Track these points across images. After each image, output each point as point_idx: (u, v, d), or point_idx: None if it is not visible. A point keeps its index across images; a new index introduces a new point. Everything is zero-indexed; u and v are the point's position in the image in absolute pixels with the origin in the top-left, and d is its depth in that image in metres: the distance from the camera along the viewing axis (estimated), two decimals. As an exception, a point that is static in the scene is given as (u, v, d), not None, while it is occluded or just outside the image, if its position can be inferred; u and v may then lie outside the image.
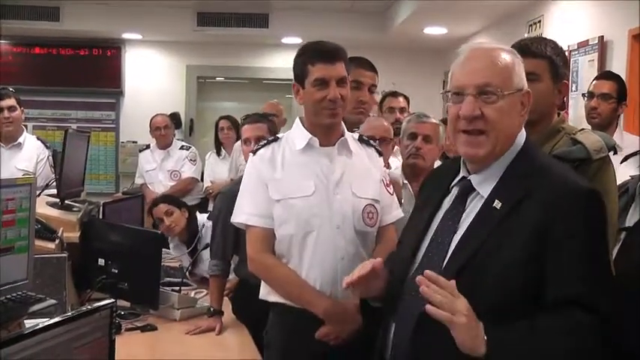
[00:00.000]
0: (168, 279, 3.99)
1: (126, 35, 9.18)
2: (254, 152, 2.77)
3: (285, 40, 8.81)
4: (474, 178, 1.92)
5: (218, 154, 6.83)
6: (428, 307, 1.71)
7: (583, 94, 4.31)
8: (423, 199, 2.16)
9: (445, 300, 1.69)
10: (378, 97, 4.85)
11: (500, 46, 1.95)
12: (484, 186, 1.90)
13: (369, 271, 1.98)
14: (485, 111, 1.84)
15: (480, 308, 1.71)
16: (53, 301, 2.47)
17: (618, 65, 4.81)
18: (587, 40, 5.29)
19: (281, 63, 8.98)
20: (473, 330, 1.68)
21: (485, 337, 1.67)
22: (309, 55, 2.64)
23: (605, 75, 4.37)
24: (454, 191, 1.99)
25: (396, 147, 3.65)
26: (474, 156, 1.90)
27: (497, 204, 1.83)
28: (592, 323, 1.68)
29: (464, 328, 1.68)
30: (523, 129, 1.94)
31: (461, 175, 1.99)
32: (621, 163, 3.16)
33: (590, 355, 1.68)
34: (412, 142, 3.35)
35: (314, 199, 2.64)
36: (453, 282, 1.72)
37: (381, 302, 2.06)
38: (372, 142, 2.89)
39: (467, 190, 1.94)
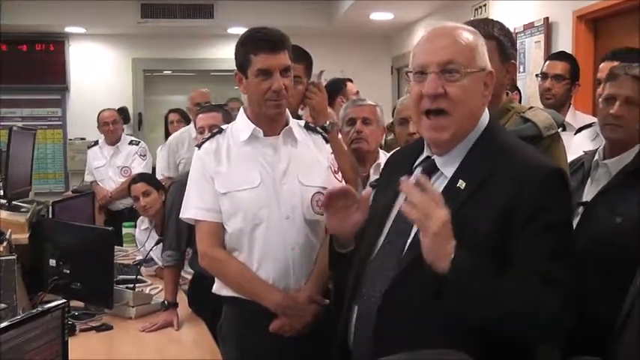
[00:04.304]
0: (121, 276, 3.93)
1: (69, 29, 9.00)
2: (199, 146, 2.74)
3: (231, 30, 8.73)
4: (438, 159, 1.92)
5: (169, 147, 6.76)
6: (403, 204, 1.72)
7: (537, 75, 4.33)
8: (385, 179, 2.14)
9: (424, 203, 1.67)
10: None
11: (463, 25, 1.94)
12: (448, 166, 1.89)
13: (339, 189, 2.07)
14: (448, 89, 1.83)
15: None
16: (3, 305, 2.42)
17: (564, 46, 4.88)
18: (533, 22, 5.36)
19: (228, 54, 8.69)
20: (442, 240, 1.67)
21: (452, 256, 1.66)
22: (252, 44, 2.59)
23: (557, 55, 4.38)
24: (417, 171, 1.96)
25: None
26: (438, 140, 1.89)
27: (461, 184, 1.82)
28: (555, 292, 1.69)
29: (433, 236, 1.66)
30: (487, 110, 1.94)
31: (425, 154, 1.97)
32: (575, 134, 3.21)
33: (549, 310, 1.69)
34: (352, 128, 3.34)
35: (260, 191, 2.61)
36: (438, 194, 1.71)
37: (349, 249, 2.08)
38: (318, 128, 2.86)
39: (430, 169, 1.92)
